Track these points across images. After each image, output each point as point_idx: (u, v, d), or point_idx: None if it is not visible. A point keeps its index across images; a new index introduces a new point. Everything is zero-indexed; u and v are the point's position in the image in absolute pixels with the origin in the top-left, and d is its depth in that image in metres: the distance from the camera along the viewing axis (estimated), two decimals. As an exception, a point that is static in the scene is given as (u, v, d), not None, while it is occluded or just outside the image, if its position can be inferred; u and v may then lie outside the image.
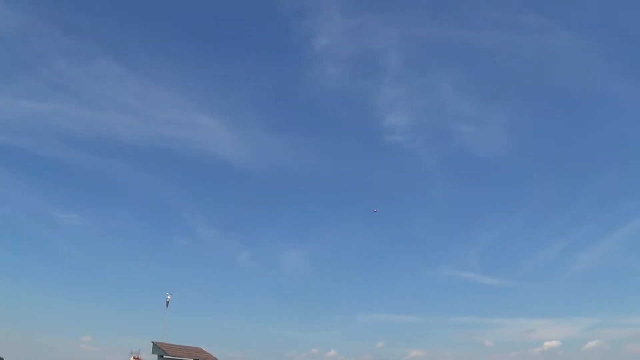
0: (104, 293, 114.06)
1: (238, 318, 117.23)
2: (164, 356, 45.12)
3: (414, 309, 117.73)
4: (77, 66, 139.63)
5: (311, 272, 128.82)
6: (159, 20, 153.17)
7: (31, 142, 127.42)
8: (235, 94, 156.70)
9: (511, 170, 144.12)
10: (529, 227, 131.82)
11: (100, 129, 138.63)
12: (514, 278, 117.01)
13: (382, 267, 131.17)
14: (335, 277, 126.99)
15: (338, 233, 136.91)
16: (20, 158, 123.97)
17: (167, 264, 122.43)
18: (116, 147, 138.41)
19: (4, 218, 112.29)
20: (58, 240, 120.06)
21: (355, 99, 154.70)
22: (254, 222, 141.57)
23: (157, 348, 45.67)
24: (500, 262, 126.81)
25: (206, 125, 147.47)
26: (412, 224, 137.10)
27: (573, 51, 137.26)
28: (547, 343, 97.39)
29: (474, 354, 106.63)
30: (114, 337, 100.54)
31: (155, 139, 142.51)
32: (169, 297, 53.35)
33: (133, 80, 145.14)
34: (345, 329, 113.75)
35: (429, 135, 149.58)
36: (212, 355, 51.12)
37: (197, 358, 47.81)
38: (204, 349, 51.46)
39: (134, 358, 48.93)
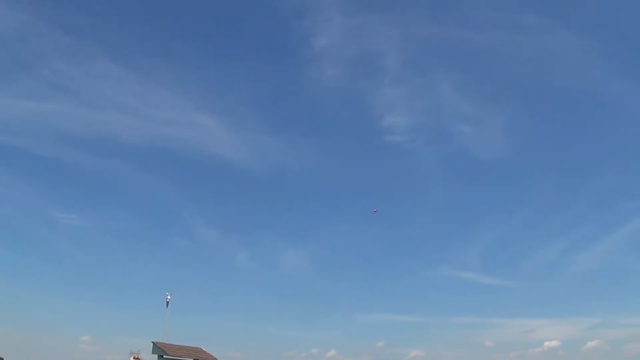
0: (103, 293, 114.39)
1: (238, 318, 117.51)
2: (164, 356, 45.13)
3: (413, 309, 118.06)
4: (77, 66, 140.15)
5: (311, 272, 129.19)
6: (158, 21, 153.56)
7: (31, 142, 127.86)
8: (235, 94, 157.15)
9: (511, 171, 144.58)
10: (529, 227, 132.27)
11: (99, 129, 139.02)
12: (514, 278, 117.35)
13: (382, 267, 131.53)
14: (334, 277, 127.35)
15: (338, 233, 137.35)
16: (20, 158, 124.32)
17: (166, 264, 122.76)
18: (116, 147, 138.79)
19: (4, 218, 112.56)
20: (58, 240, 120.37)
21: (354, 99, 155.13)
22: (254, 222, 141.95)
23: (157, 348, 45.69)
24: (500, 262, 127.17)
25: (205, 125, 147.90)
26: (412, 224, 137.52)
27: (573, 51, 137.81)
28: (547, 343, 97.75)
29: (474, 354, 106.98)
30: (114, 337, 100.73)
31: (155, 139, 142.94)
32: (169, 297, 53.42)
33: (133, 80, 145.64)
34: (345, 329, 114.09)
35: (429, 136, 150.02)
36: (212, 355, 51.13)
37: (197, 358, 47.82)
38: (204, 349, 51.48)
39: (133, 358, 48.94)
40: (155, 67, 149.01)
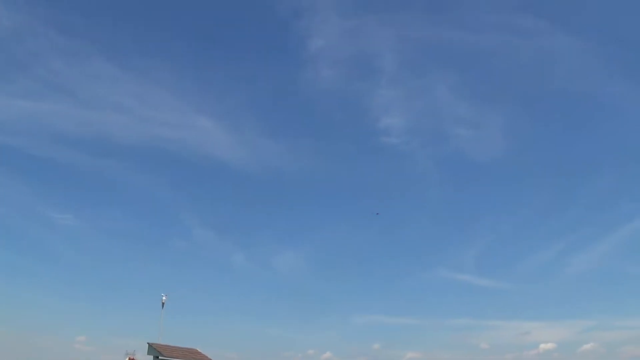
0: (99, 293, 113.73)
1: (234, 319, 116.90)
2: (159, 357, 45.13)
3: (410, 311, 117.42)
4: (73, 66, 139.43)
5: (307, 274, 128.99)
6: (155, 21, 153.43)
7: (27, 142, 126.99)
8: (232, 94, 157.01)
9: (507, 173, 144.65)
10: (525, 230, 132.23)
11: (96, 129, 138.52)
12: (510, 280, 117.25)
13: (378, 269, 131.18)
14: (331, 278, 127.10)
15: (334, 234, 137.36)
16: (15, 158, 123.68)
17: (163, 264, 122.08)
18: (112, 147, 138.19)
19: (0, 218, 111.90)
20: (53, 240, 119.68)
21: (351, 100, 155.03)
22: (251, 223, 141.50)
23: (153, 349, 45.68)
24: (496, 264, 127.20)
25: (202, 126, 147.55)
26: (408, 225, 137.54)
27: (571, 53, 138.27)
28: (542, 345, 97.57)
29: (470, 356, 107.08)
30: (109, 338, 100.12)
31: (152, 140, 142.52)
32: (164, 297, 53.34)
33: (129, 81, 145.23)
34: (341, 330, 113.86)
35: (425, 137, 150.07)
36: (207, 357, 51.16)
37: (193, 359, 47.80)
38: (199, 350, 51.51)
39: (129, 359, 48.83)
40: (152, 67, 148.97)
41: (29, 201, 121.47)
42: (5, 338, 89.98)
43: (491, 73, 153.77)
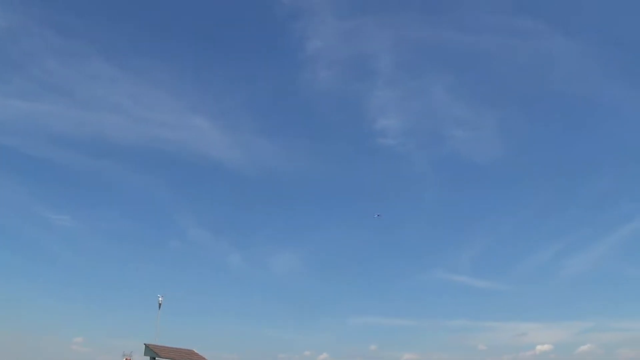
0: (96, 294, 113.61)
1: (230, 320, 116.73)
2: (156, 358, 45.21)
3: (407, 312, 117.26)
4: (69, 66, 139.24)
5: (303, 275, 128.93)
6: (152, 21, 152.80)
7: (23, 142, 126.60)
8: (229, 95, 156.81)
9: (504, 174, 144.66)
10: (522, 231, 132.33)
11: (92, 129, 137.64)
12: (507, 282, 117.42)
13: (375, 270, 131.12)
14: (327, 279, 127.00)
15: (331, 235, 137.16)
16: (12, 158, 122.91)
17: (159, 265, 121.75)
18: (109, 147, 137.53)
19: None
20: (50, 241, 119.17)
21: (348, 101, 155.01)
22: (247, 224, 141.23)
23: (149, 350, 45.74)
24: (493, 266, 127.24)
25: (199, 127, 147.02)
26: (405, 227, 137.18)
27: (569, 55, 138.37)
28: (539, 347, 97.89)
29: (467, 358, 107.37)
30: (106, 339, 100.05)
31: (148, 140, 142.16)
32: (160, 298, 53.38)
33: (126, 81, 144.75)
34: (338, 332, 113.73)
35: (422, 139, 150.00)
36: (204, 358, 51.24)
37: (189, 360, 47.88)
38: (195, 351, 51.57)
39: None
40: (149, 68, 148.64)
41: (26, 202, 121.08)
42: (2, 339, 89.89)
43: (488, 74, 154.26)
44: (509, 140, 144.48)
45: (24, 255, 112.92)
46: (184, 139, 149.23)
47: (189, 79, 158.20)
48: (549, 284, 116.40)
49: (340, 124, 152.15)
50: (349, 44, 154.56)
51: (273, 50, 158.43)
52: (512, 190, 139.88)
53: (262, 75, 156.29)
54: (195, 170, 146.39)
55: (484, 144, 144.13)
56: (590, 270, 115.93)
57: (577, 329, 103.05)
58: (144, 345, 46.43)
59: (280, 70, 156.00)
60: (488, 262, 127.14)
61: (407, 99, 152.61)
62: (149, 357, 45.82)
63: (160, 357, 45.24)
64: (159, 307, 53.01)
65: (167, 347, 47.93)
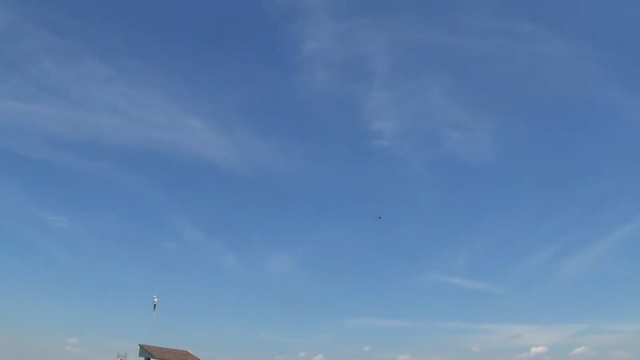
0: (91, 295, 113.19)
1: (225, 321, 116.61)
2: (151, 359, 45.18)
3: (401, 314, 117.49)
4: (66, 67, 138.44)
5: (299, 276, 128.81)
6: (147, 22, 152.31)
7: (19, 143, 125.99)
8: (225, 97, 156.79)
9: (500, 177, 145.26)
10: (518, 233, 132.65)
11: (88, 130, 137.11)
12: (502, 284, 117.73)
13: (370, 272, 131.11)
14: (323, 281, 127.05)
15: (326, 237, 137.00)
16: (8, 159, 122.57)
17: (154, 266, 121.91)
18: (105, 148, 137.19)
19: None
20: (47, 242, 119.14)
21: (344, 102, 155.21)
22: (242, 225, 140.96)
23: (144, 351, 45.77)
24: (488, 268, 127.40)
25: (194, 128, 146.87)
26: (400, 228, 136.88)
27: (566, 58, 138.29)
28: (534, 349, 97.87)
29: (461, 359, 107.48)
30: (101, 340, 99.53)
31: (143, 141, 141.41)
32: (155, 299, 53.42)
33: (122, 82, 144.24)
34: (333, 333, 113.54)
35: (418, 141, 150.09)
36: (198, 359, 51.25)
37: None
38: (190, 352, 51.62)
39: (120, 360, 48.95)
40: (145, 69, 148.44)
41: (22, 203, 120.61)
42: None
43: (485, 76, 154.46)
44: (504, 142, 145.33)
45: (21, 256, 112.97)
46: (179, 139, 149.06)
47: (184, 79, 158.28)
48: (544, 286, 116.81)
49: (336, 125, 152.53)
50: (345, 45, 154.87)
51: (269, 51, 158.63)
52: (507, 193, 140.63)
53: (257, 76, 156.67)
54: (191, 171, 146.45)
55: (480, 146, 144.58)
56: (585, 272, 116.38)
57: (572, 331, 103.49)
58: (139, 346, 46.44)
59: (276, 71, 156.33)
60: (483, 264, 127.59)
61: (403, 100, 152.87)
62: (143, 358, 45.85)
63: (155, 358, 45.26)
64: (154, 308, 53.10)
65: (162, 348, 47.96)
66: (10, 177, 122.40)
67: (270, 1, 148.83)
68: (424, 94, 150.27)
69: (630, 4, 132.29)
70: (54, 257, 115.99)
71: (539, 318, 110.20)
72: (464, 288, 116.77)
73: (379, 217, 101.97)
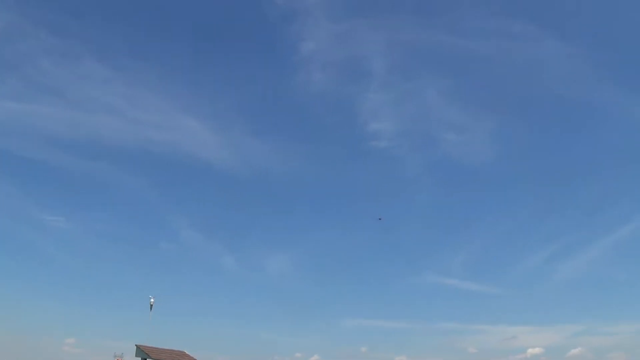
0: (88, 295, 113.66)
1: (222, 322, 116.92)
2: (147, 359, 45.33)
3: (398, 315, 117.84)
4: (64, 67, 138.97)
5: (296, 277, 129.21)
6: (145, 23, 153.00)
7: (17, 143, 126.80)
8: (222, 97, 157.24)
9: (497, 178, 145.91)
10: (515, 234, 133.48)
11: (86, 130, 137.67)
12: (498, 285, 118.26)
13: (367, 273, 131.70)
14: (320, 282, 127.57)
15: (323, 238, 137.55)
16: (6, 160, 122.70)
17: (152, 266, 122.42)
18: (102, 149, 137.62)
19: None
20: (44, 242, 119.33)
21: (341, 103, 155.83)
22: (239, 226, 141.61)
23: (141, 351, 45.88)
24: (484, 269, 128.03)
25: (192, 128, 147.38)
26: (397, 230, 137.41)
27: (563, 58, 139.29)
28: (530, 350, 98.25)
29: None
30: (98, 340, 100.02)
31: (141, 141, 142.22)
32: (152, 299, 53.51)
33: (119, 82, 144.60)
34: (329, 333, 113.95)
35: (415, 141, 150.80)
36: (194, 359, 51.37)
37: (180, 361, 48.06)
38: (187, 352, 51.71)
39: (116, 361, 49.09)
40: (143, 69, 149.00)
41: (20, 203, 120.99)
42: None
43: (483, 77, 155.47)
44: (502, 144, 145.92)
45: (18, 256, 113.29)
46: (178, 140, 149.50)
47: (183, 80, 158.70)
48: (540, 287, 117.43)
49: (334, 126, 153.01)
50: (343, 46, 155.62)
51: (267, 51, 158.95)
52: (505, 194, 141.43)
53: (255, 77, 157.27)
54: (189, 171, 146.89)
55: (477, 147, 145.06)
56: (581, 273, 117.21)
57: (568, 332, 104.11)
58: (135, 347, 46.57)
59: (274, 72, 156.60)
60: (480, 266, 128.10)
61: (400, 101, 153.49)
62: (140, 358, 45.99)
63: (151, 359, 45.40)
64: (151, 308, 53.20)
65: (158, 349, 48.06)
66: (8, 177, 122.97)
67: (269, 2, 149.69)
68: (422, 95, 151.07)
69: (629, 5, 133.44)
70: (51, 257, 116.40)
71: (535, 319, 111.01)
72: (461, 289, 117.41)
73: (379, 219, 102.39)
